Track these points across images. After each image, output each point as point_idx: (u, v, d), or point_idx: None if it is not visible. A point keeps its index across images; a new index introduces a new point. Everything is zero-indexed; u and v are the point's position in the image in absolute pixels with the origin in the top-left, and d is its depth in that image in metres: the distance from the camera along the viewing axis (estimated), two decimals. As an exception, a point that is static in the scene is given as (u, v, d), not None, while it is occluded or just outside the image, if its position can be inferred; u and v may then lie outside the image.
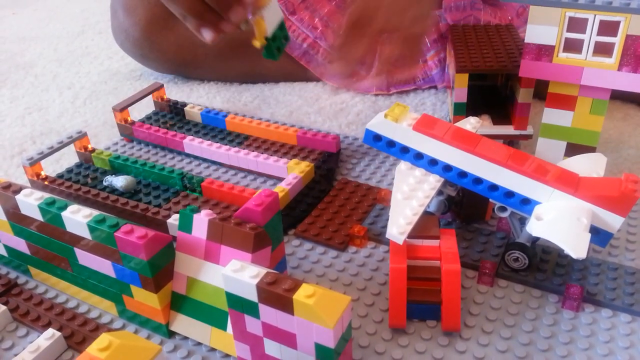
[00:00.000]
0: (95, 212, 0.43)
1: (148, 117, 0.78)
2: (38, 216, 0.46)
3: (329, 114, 0.81)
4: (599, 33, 0.49)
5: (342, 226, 0.56)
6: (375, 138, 0.50)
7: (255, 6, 0.54)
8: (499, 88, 0.70)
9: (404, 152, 0.50)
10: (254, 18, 0.56)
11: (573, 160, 0.51)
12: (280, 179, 0.65)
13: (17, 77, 1.02)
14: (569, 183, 0.44)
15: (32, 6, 1.48)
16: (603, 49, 0.50)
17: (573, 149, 0.56)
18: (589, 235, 0.41)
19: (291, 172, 0.62)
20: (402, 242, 0.43)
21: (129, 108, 0.75)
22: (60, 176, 0.66)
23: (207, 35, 0.55)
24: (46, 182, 0.63)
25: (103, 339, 0.32)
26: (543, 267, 0.49)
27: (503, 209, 0.48)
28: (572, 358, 0.42)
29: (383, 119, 0.49)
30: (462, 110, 0.62)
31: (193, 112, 0.76)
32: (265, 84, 0.92)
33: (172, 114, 0.78)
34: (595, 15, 0.49)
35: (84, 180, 0.65)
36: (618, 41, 0.49)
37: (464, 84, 0.61)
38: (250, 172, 0.67)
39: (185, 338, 0.45)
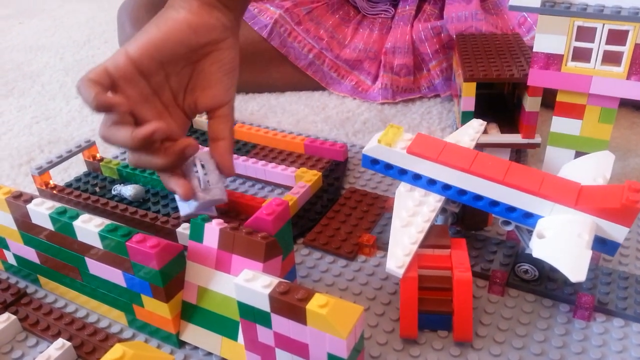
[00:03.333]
0: (107, 221, 0.43)
1: (155, 126, 0.78)
2: (49, 225, 0.46)
3: (336, 123, 0.81)
4: (608, 42, 0.49)
5: (350, 235, 0.56)
6: (372, 162, 0.51)
7: None
8: (505, 96, 0.70)
9: (402, 173, 0.50)
10: None
11: (580, 161, 0.51)
12: (287, 188, 0.65)
13: (24, 86, 1.02)
14: (569, 196, 0.43)
15: (38, 16, 1.49)
16: (612, 58, 0.50)
17: (582, 158, 0.56)
18: (590, 252, 0.40)
19: (299, 181, 0.62)
20: (400, 275, 0.42)
21: (137, 117, 0.75)
22: (68, 185, 0.66)
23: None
24: (55, 191, 0.63)
25: (117, 349, 0.32)
26: (553, 276, 0.49)
27: (507, 223, 0.48)
28: (584, 368, 0.42)
29: (377, 144, 0.49)
30: (470, 118, 0.62)
31: (201, 121, 0.77)
32: (271, 94, 0.92)
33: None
34: (604, 25, 0.49)
35: (92, 189, 0.65)
36: (627, 50, 0.49)
37: (472, 92, 0.61)
38: (257, 180, 0.67)
39: (196, 348, 0.45)
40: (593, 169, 0.48)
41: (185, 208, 0.51)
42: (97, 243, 0.43)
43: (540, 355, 0.43)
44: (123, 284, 0.45)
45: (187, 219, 0.56)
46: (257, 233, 0.42)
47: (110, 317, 0.49)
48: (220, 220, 0.43)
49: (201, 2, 0.49)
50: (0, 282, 0.52)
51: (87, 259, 0.46)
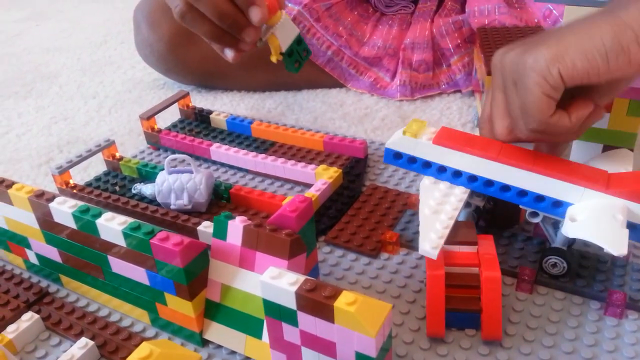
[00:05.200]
0: (130, 220, 0.43)
1: (174, 125, 0.78)
2: (71, 224, 0.46)
3: (354, 120, 0.81)
4: (637, 33, 0.48)
5: (373, 232, 0.55)
6: (395, 156, 0.50)
7: (266, 25, 0.58)
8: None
9: (425, 167, 0.49)
10: (267, 36, 0.59)
11: (599, 158, 0.50)
12: (307, 185, 0.64)
13: (42, 87, 1.03)
14: (600, 181, 0.43)
15: (55, 18, 1.50)
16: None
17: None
18: (627, 231, 0.40)
19: (319, 178, 0.62)
20: (435, 257, 0.42)
21: (155, 116, 0.75)
22: (88, 184, 0.66)
23: (229, 55, 0.61)
24: (75, 191, 0.63)
25: (144, 347, 0.31)
26: (583, 274, 0.48)
27: (534, 214, 0.47)
28: (618, 367, 0.41)
29: (402, 136, 0.49)
30: (493, 113, 0.61)
31: (218, 119, 0.76)
32: (288, 91, 0.91)
33: (198, 122, 0.78)
34: (633, 15, 0.47)
35: (112, 188, 0.65)
36: (657, 41, 0.47)
37: (495, 87, 0.60)
38: (277, 178, 0.66)
39: (219, 347, 0.45)
40: (614, 165, 0.47)
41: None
42: (121, 241, 0.43)
43: (571, 353, 0.42)
44: (146, 282, 0.44)
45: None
46: (282, 230, 0.41)
47: (132, 315, 0.48)
48: (244, 218, 0.42)
49: None
50: (22, 281, 0.52)
51: (109, 257, 0.45)
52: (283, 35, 0.60)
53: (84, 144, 0.80)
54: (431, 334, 0.43)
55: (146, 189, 0.62)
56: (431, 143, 0.47)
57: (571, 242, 0.47)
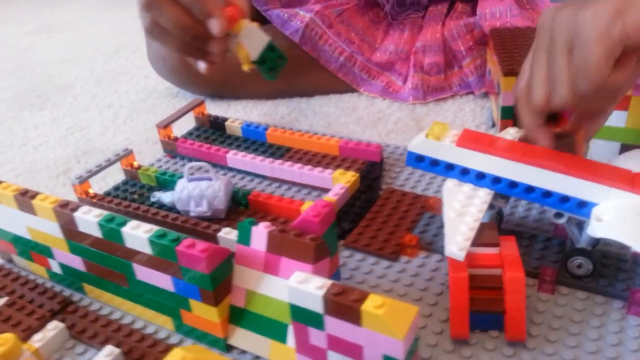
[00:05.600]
0: (155, 227, 0.44)
1: (190, 133, 0.79)
2: (96, 233, 0.46)
3: (368, 124, 0.81)
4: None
5: (391, 236, 0.56)
6: (417, 159, 0.50)
7: (232, 35, 0.58)
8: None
9: (448, 169, 0.49)
10: (234, 46, 0.59)
11: (626, 156, 0.50)
12: (325, 190, 0.65)
13: (57, 98, 1.04)
14: (625, 180, 0.43)
15: (64, 29, 1.52)
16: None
17: (627, 150, 0.55)
18: None
19: (337, 183, 0.62)
20: (463, 258, 0.42)
21: (171, 125, 0.75)
22: (107, 193, 0.67)
23: (202, 67, 0.61)
24: (95, 200, 0.64)
25: (176, 353, 0.32)
26: (604, 273, 0.48)
27: (559, 215, 0.47)
28: (644, 366, 0.41)
29: (425, 139, 0.49)
30: (509, 113, 0.62)
31: (234, 126, 0.77)
32: (301, 98, 0.92)
33: (213, 129, 0.79)
34: (649, 14, 0.48)
35: (131, 197, 0.66)
36: (674, 39, 0.48)
37: (511, 87, 0.60)
38: (294, 184, 0.67)
39: (244, 352, 0.45)
40: (637, 164, 0.47)
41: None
42: (146, 249, 0.44)
43: (595, 353, 0.42)
44: (171, 288, 0.45)
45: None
46: (306, 235, 0.41)
47: (156, 322, 0.49)
48: (268, 224, 0.43)
49: None
50: (46, 290, 0.53)
51: (134, 265, 0.46)
52: (250, 44, 0.59)
53: (101, 153, 0.81)
54: (455, 336, 0.44)
55: (165, 196, 0.63)
56: (454, 145, 0.48)
57: (595, 242, 0.47)
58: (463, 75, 0.86)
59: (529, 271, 0.49)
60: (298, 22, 0.89)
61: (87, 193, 0.65)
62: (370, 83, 0.90)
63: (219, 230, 0.55)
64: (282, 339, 0.43)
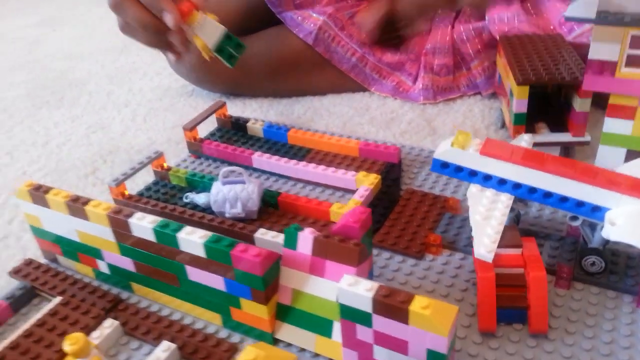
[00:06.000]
0: (209, 233, 0.47)
1: (212, 134, 0.82)
2: (151, 238, 0.50)
3: (381, 124, 0.85)
4: (661, 49, 0.53)
5: (416, 235, 0.60)
6: (442, 165, 0.54)
7: (188, 27, 0.64)
8: (549, 94, 0.73)
9: (472, 175, 0.53)
10: (191, 36, 0.66)
11: (633, 164, 0.54)
12: (347, 191, 0.68)
13: (72, 95, 1.06)
14: (635, 187, 0.47)
15: (69, 23, 1.53)
16: (664, 63, 0.53)
17: (633, 156, 0.59)
18: None
19: (360, 185, 0.66)
20: (491, 260, 0.46)
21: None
22: (140, 194, 0.70)
23: (170, 57, 0.71)
24: (131, 201, 0.67)
25: (249, 351, 0.36)
26: (615, 270, 0.52)
27: (575, 218, 0.51)
28: (653, 355, 0.45)
29: (450, 148, 0.53)
30: (522, 119, 0.66)
31: (255, 127, 0.80)
32: (314, 96, 0.95)
33: (235, 130, 0.82)
34: (657, 33, 0.52)
35: (164, 197, 0.69)
36: (680, 56, 0.52)
37: (525, 95, 0.64)
38: (317, 184, 0.71)
39: (289, 345, 0.49)
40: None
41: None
42: (201, 252, 0.47)
43: (610, 343, 0.47)
44: (223, 288, 0.49)
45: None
46: (349, 240, 0.45)
47: (204, 318, 0.53)
48: (312, 229, 0.47)
49: None
50: (95, 290, 0.56)
51: (187, 267, 0.50)
52: (206, 35, 0.66)
53: (125, 153, 0.84)
54: (483, 329, 0.48)
55: (199, 198, 0.66)
56: (478, 154, 0.52)
57: (606, 242, 0.52)
58: (471, 77, 0.90)
59: (546, 268, 0.54)
60: (311, 25, 0.92)
61: (122, 194, 0.68)
62: (381, 83, 0.94)
63: (255, 231, 0.59)
64: (327, 333, 0.47)
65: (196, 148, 0.78)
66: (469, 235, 0.58)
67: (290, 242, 0.47)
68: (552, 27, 0.86)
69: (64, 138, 0.90)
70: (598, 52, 0.55)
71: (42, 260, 0.63)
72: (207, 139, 0.80)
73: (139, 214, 0.50)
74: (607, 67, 0.55)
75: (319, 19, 0.93)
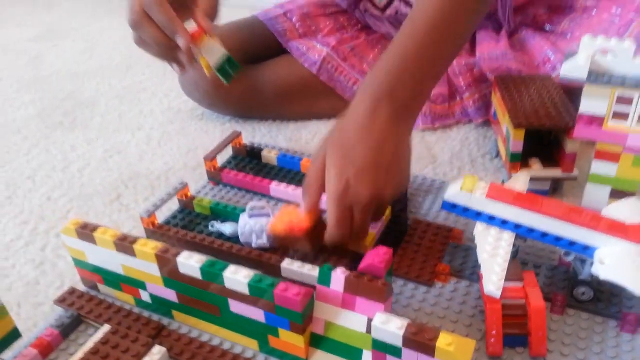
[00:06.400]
0: (252, 273, 0.53)
1: (229, 162, 0.88)
2: (197, 275, 0.56)
3: (385, 151, 0.91)
4: (643, 106, 0.60)
5: (425, 264, 0.67)
6: (452, 206, 0.61)
7: (196, 48, 0.72)
8: (542, 133, 0.80)
9: (478, 215, 0.60)
10: (198, 56, 0.74)
11: (616, 205, 0.61)
12: (359, 219, 0.75)
13: (84, 117, 1.10)
14: (620, 230, 0.55)
15: (70, 37, 1.56)
16: (646, 118, 0.61)
17: (616, 193, 0.67)
18: None
19: (373, 215, 0.73)
20: (499, 296, 0.53)
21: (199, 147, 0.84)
22: (167, 222, 0.76)
23: (176, 69, 0.77)
24: (162, 231, 0.72)
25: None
26: (601, 298, 0.60)
27: (568, 254, 0.59)
28: (636, 375, 0.53)
29: (459, 191, 0.60)
30: (518, 158, 0.73)
31: (270, 156, 0.86)
32: (319, 121, 1.02)
33: (250, 158, 0.88)
34: (639, 94, 0.60)
35: (190, 225, 0.75)
36: (658, 112, 0.60)
37: (521, 137, 0.71)
38: (331, 213, 0.77)
39: (331, 366, 0.56)
40: (629, 211, 0.59)
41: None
42: (244, 290, 0.54)
43: (598, 365, 0.54)
44: (262, 320, 0.55)
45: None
46: (377, 280, 0.52)
47: (241, 343, 0.59)
48: (344, 269, 0.53)
49: None
50: (139, 317, 0.62)
51: (230, 301, 0.56)
52: (210, 56, 0.74)
53: (145, 178, 0.89)
54: (491, 353, 0.55)
55: (225, 227, 0.72)
56: (484, 197, 0.59)
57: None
58: (464, 106, 0.97)
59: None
60: (316, 55, 0.99)
61: (153, 224, 0.73)
62: (382, 109, 1.01)
63: (279, 261, 0.65)
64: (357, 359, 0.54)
65: (216, 177, 0.84)
66: (473, 264, 0.66)
67: (324, 280, 0.54)
68: (536, 64, 0.94)
69: (83, 162, 0.95)
70: (588, 107, 0.62)
71: (81, 286, 0.68)
72: (224, 167, 0.86)
73: (186, 254, 0.56)
74: (595, 120, 0.63)
75: (323, 51, 0.99)
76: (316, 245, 0.63)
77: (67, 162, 0.95)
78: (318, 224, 0.62)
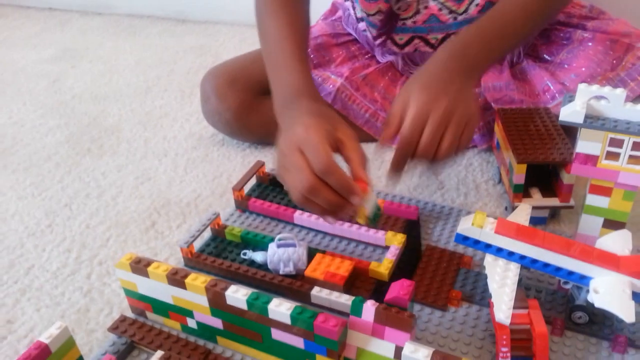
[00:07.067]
0: (294, 305, 0.61)
1: (253, 190, 0.95)
2: (243, 306, 0.63)
3: (396, 177, 0.99)
4: (632, 149, 0.68)
5: (440, 289, 0.75)
6: (464, 238, 0.69)
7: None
8: (541, 165, 0.88)
9: (487, 247, 0.68)
10: (359, 208, 0.72)
11: (608, 237, 0.69)
12: (376, 246, 0.83)
13: (110, 143, 1.17)
14: (612, 263, 0.63)
15: (87, 58, 1.62)
16: (635, 159, 0.69)
17: (609, 223, 0.75)
18: (634, 302, 0.60)
19: (390, 243, 0.81)
20: (509, 323, 0.61)
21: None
22: (201, 251, 0.84)
23: (330, 220, 0.76)
24: (200, 259, 0.80)
25: None
26: (595, 320, 0.68)
27: (566, 282, 0.67)
28: (626, 390, 0.62)
29: (470, 226, 0.67)
30: (520, 189, 0.81)
31: (290, 184, 0.94)
32: (333, 147, 1.09)
33: (272, 186, 0.96)
34: (629, 137, 0.67)
35: (223, 254, 0.83)
36: (645, 156, 0.68)
37: (523, 171, 0.79)
38: (351, 239, 0.85)
39: (352, 388, 0.64)
40: (619, 242, 0.67)
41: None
42: (286, 320, 0.61)
43: (594, 381, 0.63)
44: (301, 346, 0.63)
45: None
46: (404, 312, 0.60)
47: (280, 366, 0.67)
48: (373, 301, 0.61)
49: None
50: (187, 343, 0.69)
51: (272, 329, 0.63)
52: (368, 206, 0.73)
53: (176, 205, 0.96)
54: (500, 372, 0.63)
55: (256, 255, 0.80)
56: (493, 232, 0.67)
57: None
58: (469, 132, 1.05)
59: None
60: (330, 86, 1.06)
61: (191, 253, 0.81)
62: (392, 135, 1.08)
63: (309, 288, 0.73)
64: (384, 380, 0.62)
65: (243, 205, 0.91)
66: (482, 289, 0.74)
67: (356, 311, 0.62)
68: (537, 93, 1.02)
69: (116, 190, 1.02)
70: (584, 147, 0.70)
71: (128, 312, 0.76)
72: (249, 195, 0.93)
73: (233, 287, 0.64)
74: (590, 159, 0.71)
75: (337, 81, 1.06)
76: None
77: (101, 190, 1.02)
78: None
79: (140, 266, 0.68)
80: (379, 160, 1.04)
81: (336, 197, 0.67)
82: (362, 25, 1.12)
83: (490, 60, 0.84)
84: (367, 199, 0.71)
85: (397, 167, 0.75)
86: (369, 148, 1.07)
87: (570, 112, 0.70)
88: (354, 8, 1.12)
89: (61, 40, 1.78)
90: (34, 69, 1.57)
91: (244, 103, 1.04)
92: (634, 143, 0.68)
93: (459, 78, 0.75)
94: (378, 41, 1.08)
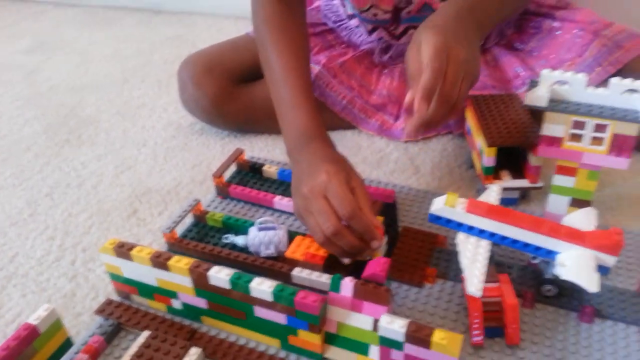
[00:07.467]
0: (275, 283, 0.63)
1: (233, 177, 0.97)
2: (226, 286, 0.65)
3: (373, 163, 1.02)
4: (595, 130, 0.72)
5: (415, 267, 0.78)
6: (437, 218, 0.72)
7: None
8: (510, 148, 0.91)
9: (459, 225, 0.71)
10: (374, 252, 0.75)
11: (575, 215, 0.73)
12: (355, 228, 0.85)
13: (89, 133, 1.18)
14: (577, 238, 0.66)
15: (62, 50, 1.62)
16: (597, 141, 0.73)
17: (575, 202, 0.79)
18: (598, 274, 0.64)
19: (367, 225, 0.83)
20: (480, 295, 0.64)
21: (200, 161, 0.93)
22: (184, 236, 0.85)
23: (346, 261, 0.75)
24: (182, 244, 0.81)
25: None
26: (564, 293, 0.72)
27: (534, 257, 0.70)
28: (591, 357, 0.65)
29: (443, 206, 0.70)
30: (491, 171, 0.85)
31: (270, 171, 0.96)
32: (311, 134, 1.11)
33: (252, 173, 0.98)
34: (591, 120, 0.71)
35: (205, 238, 0.84)
36: (607, 136, 0.71)
37: (494, 154, 0.83)
38: (330, 222, 0.87)
39: (333, 361, 0.67)
40: (585, 219, 0.71)
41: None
42: (269, 298, 0.64)
43: (562, 349, 0.66)
44: (284, 322, 0.65)
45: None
46: (381, 286, 0.63)
47: (265, 342, 0.69)
48: (351, 277, 0.64)
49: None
50: (173, 323, 0.71)
51: (255, 307, 0.66)
52: (381, 248, 0.75)
53: (157, 193, 0.98)
54: (474, 343, 0.67)
55: (238, 239, 0.82)
56: (464, 211, 0.70)
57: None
58: (444, 118, 1.08)
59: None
60: (309, 74, 1.08)
61: (174, 238, 0.82)
62: (368, 122, 1.11)
63: (292, 269, 0.75)
64: (364, 353, 0.64)
65: (224, 191, 0.93)
66: (456, 267, 0.77)
67: (335, 287, 0.64)
68: (508, 79, 1.05)
69: (96, 179, 1.03)
70: (549, 130, 0.74)
71: (114, 296, 0.77)
72: (230, 181, 0.95)
73: (215, 268, 0.66)
74: (555, 141, 0.74)
75: (315, 69, 1.08)
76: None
77: (81, 179, 1.03)
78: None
79: (123, 250, 0.70)
80: (356, 147, 1.07)
81: (358, 241, 0.70)
82: (353, 22, 1.14)
83: (491, 25, 0.85)
84: (381, 243, 0.73)
85: (422, 110, 0.68)
86: (345, 135, 1.10)
87: (535, 97, 0.73)
88: (343, 6, 1.15)
89: (36, 32, 1.77)
90: (9, 61, 1.56)
91: (221, 90, 1.06)
92: (596, 125, 0.71)
93: (469, 34, 0.75)
94: (373, 35, 1.10)
